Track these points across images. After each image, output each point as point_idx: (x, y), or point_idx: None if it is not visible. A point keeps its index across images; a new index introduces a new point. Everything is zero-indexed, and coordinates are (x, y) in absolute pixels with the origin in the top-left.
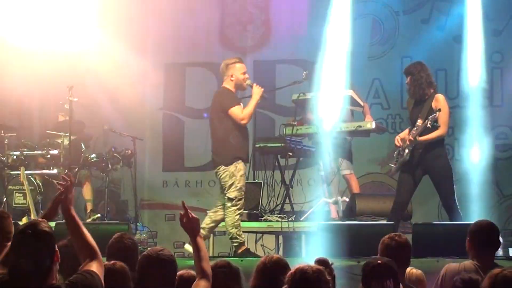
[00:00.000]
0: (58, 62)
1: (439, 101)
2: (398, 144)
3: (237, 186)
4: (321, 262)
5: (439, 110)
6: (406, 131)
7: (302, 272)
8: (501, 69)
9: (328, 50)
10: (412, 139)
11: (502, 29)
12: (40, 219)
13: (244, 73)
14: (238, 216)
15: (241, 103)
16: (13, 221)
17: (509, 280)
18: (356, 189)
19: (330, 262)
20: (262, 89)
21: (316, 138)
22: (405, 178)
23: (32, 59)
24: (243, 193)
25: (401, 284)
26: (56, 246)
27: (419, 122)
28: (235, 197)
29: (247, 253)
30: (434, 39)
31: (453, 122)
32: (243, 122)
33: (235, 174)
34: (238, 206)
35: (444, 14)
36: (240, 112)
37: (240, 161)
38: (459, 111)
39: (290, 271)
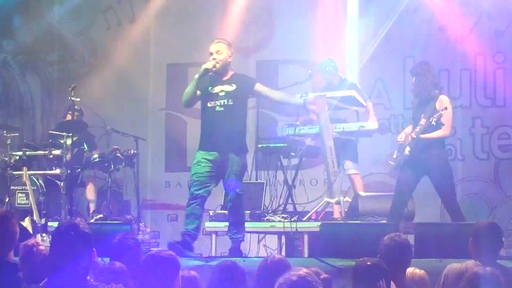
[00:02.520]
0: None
1: (443, 102)
2: (400, 140)
3: None
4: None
5: (445, 108)
6: (408, 129)
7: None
8: (503, 69)
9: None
10: (415, 136)
11: (505, 30)
12: (79, 219)
13: (210, 54)
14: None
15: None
16: None
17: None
18: (360, 189)
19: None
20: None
21: (319, 138)
22: (404, 178)
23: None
24: (193, 181)
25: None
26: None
27: (423, 121)
28: None
29: None
30: (437, 39)
31: (456, 122)
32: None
33: None
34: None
35: (446, 15)
36: None
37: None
38: (462, 111)
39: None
